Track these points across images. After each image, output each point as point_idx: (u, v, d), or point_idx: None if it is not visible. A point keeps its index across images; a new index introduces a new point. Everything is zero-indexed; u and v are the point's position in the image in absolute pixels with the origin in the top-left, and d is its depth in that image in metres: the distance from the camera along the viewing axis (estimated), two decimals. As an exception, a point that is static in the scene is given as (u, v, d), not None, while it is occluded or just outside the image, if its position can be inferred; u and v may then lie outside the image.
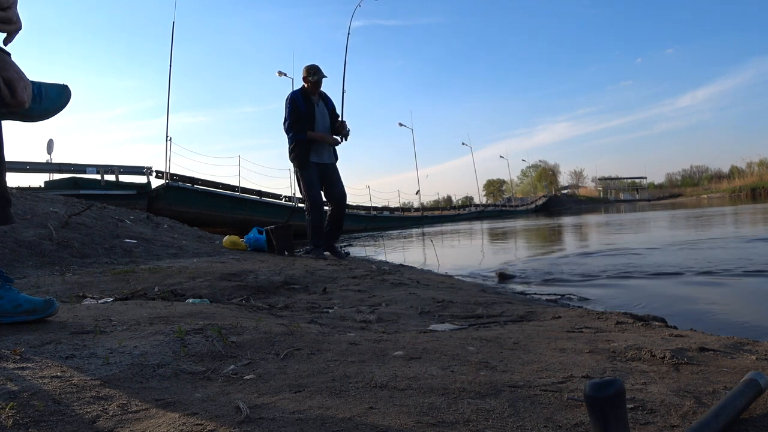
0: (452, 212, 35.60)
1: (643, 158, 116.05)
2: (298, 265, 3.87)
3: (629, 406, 0.83)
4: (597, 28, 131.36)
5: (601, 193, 70.13)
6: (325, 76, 5.05)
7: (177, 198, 13.61)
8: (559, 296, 2.97)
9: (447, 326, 1.76)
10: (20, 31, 1.27)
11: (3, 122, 1.35)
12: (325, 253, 5.01)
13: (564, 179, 75.79)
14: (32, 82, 1.30)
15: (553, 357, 1.18)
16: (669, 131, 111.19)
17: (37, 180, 14.34)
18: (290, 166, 6.13)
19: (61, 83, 1.41)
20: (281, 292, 2.76)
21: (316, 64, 5.07)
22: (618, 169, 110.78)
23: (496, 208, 42.36)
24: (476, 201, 47.67)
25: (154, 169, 14.23)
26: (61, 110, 1.41)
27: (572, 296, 2.97)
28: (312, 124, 4.95)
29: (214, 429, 0.77)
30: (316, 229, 4.98)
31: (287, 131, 4.95)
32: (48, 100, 1.37)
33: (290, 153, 5.04)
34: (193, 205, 13.59)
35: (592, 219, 16.22)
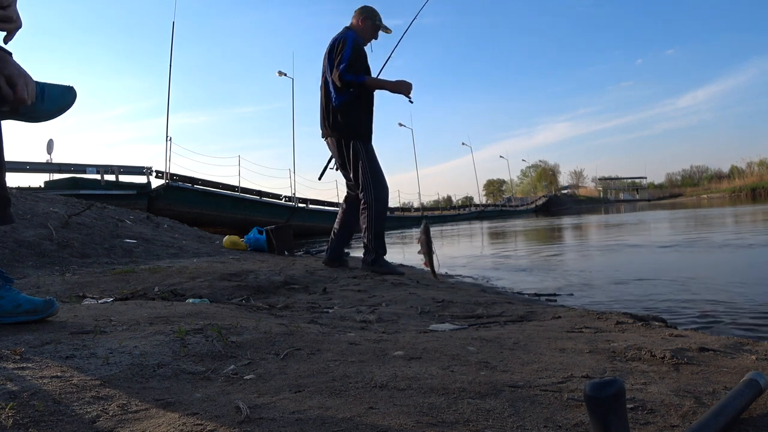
0: (452, 212, 35.64)
1: (643, 158, 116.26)
2: (298, 265, 3.87)
3: (629, 406, 0.83)
4: (598, 28, 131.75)
5: (601, 193, 70.24)
6: (389, 31, 3.75)
7: (177, 198, 13.62)
8: (559, 295, 2.97)
9: (447, 326, 1.76)
10: (20, 30, 1.27)
11: (3, 122, 1.35)
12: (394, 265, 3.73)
13: (564, 179, 76.04)
14: (36, 82, 1.30)
15: (553, 357, 1.18)
16: (669, 131, 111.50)
17: (37, 180, 14.39)
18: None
19: (67, 84, 1.41)
20: (281, 292, 2.76)
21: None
22: (618, 169, 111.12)
23: (496, 208, 42.41)
24: (476, 201, 47.76)
25: (154, 169, 14.29)
26: (64, 111, 1.41)
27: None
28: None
29: (214, 429, 0.77)
30: (382, 229, 3.64)
31: (344, 74, 3.41)
32: (50, 101, 1.36)
33: (339, 114, 3.52)
34: (193, 205, 13.60)
35: (590, 219, 16.21)
